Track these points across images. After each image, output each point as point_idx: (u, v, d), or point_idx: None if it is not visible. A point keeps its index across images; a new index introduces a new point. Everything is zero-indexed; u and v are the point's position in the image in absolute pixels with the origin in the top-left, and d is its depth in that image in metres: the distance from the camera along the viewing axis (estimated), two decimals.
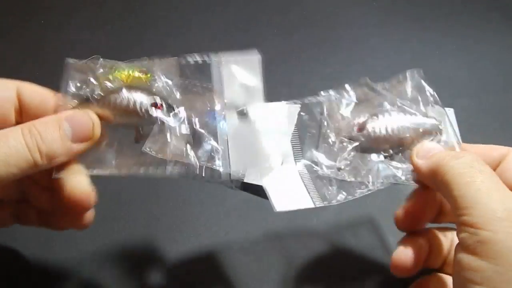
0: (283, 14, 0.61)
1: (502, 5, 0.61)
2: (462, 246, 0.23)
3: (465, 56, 0.55)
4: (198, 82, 0.50)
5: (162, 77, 0.51)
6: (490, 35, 0.57)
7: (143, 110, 0.32)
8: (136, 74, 0.49)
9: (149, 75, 0.49)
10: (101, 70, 0.51)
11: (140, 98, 0.31)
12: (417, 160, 0.30)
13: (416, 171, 0.30)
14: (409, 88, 0.36)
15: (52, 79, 0.52)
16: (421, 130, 0.33)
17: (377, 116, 0.33)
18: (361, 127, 0.32)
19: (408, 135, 0.33)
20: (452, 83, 0.51)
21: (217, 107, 0.46)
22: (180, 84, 0.50)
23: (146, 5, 0.63)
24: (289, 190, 0.31)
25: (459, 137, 0.45)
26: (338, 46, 0.56)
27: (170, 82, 0.50)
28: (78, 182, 0.26)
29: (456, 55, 0.55)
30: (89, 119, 0.28)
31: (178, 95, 0.49)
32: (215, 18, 0.60)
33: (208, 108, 0.46)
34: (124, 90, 0.32)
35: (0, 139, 0.23)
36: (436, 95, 0.36)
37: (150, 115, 0.32)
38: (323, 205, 0.31)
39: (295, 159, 0.33)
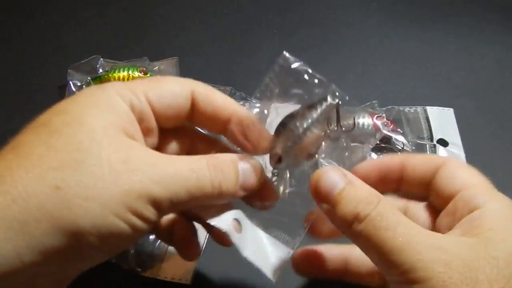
0: (283, 14, 0.61)
1: (502, 6, 0.61)
2: None
3: (465, 56, 0.55)
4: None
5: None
6: (490, 35, 0.57)
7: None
8: (136, 74, 0.49)
9: (149, 75, 0.49)
10: (101, 70, 0.51)
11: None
12: (324, 206, 0.24)
13: (327, 216, 0.25)
14: None
15: (52, 79, 0.53)
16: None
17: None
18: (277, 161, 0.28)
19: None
20: (452, 83, 0.51)
21: None
22: None
23: (146, 5, 0.63)
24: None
25: (459, 137, 0.46)
26: (338, 46, 0.56)
27: None
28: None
29: (456, 55, 0.55)
30: (259, 172, 0.26)
31: None
32: (215, 18, 0.60)
33: None
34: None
35: (185, 164, 0.24)
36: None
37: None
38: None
39: None
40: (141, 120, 0.25)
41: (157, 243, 0.39)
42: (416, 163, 0.28)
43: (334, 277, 0.31)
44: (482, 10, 0.60)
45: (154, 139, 0.27)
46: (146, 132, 0.26)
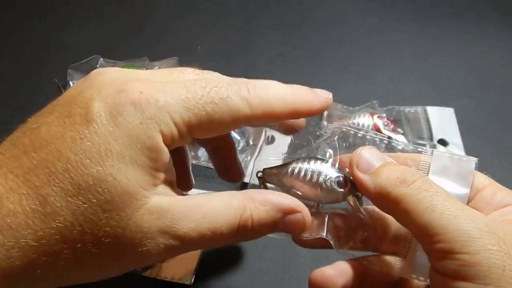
0: (283, 14, 0.61)
1: (502, 5, 0.61)
2: (444, 274, 0.22)
3: (465, 56, 0.55)
4: None
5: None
6: (491, 35, 0.57)
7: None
8: None
9: None
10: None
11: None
12: (361, 175, 0.25)
13: (360, 188, 0.26)
14: None
15: (52, 79, 0.53)
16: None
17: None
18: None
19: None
20: (452, 83, 0.51)
21: None
22: None
23: (146, 5, 0.63)
24: None
25: (460, 137, 0.46)
26: (338, 46, 0.56)
27: None
28: None
29: (456, 55, 0.55)
30: (302, 228, 0.26)
31: None
32: (215, 18, 0.60)
33: None
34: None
35: (216, 211, 0.24)
36: None
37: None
38: None
39: None
40: (174, 149, 0.25)
41: None
42: (403, 161, 0.28)
43: None
44: (482, 10, 0.60)
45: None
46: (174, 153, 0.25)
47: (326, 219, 0.27)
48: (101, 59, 0.52)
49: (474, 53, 0.55)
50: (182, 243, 0.23)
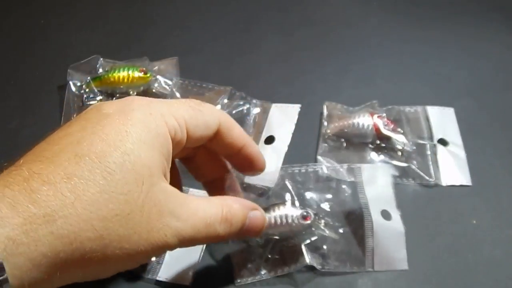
0: (283, 14, 0.61)
1: (502, 6, 0.61)
2: None
3: (465, 56, 0.55)
4: (199, 82, 0.50)
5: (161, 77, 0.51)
6: (490, 35, 0.57)
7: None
8: (136, 74, 0.49)
9: (149, 75, 0.49)
10: (101, 70, 0.51)
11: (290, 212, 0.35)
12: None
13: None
14: None
15: (52, 79, 0.53)
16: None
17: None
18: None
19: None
20: (452, 83, 0.51)
21: (217, 107, 0.47)
22: (180, 84, 0.50)
23: (146, 5, 0.63)
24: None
25: (460, 136, 0.46)
26: (338, 46, 0.56)
27: (170, 82, 0.50)
28: None
29: (456, 55, 0.55)
30: (262, 224, 0.33)
31: (178, 95, 0.49)
32: (215, 18, 0.60)
33: None
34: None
35: (203, 206, 0.28)
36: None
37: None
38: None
39: None
40: (175, 147, 0.28)
41: None
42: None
43: None
44: (483, 10, 0.60)
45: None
46: (173, 155, 0.28)
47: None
48: (101, 59, 0.52)
49: (474, 53, 0.55)
50: (187, 227, 0.26)
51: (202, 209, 0.28)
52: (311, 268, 0.36)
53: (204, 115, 0.29)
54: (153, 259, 0.37)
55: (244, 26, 0.59)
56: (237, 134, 0.32)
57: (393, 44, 0.56)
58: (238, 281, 0.36)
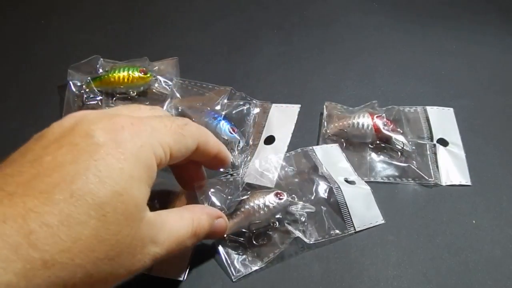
0: (283, 14, 0.61)
1: (501, 6, 0.61)
2: None
3: (465, 56, 0.55)
4: (199, 82, 0.50)
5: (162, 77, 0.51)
6: (490, 36, 0.57)
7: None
8: (136, 74, 0.49)
9: (149, 75, 0.49)
10: (101, 70, 0.51)
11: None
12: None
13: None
14: None
15: (52, 79, 0.53)
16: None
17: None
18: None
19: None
20: (452, 83, 0.51)
21: (217, 107, 0.47)
22: (180, 84, 0.50)
23: (146, 5, 0.63)
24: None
25: (459, 136, 0.46)
26: (338, 46, 0.56)
27: (170, 82, 0.50)
28: None
29: (456, 55, 0.55)
30: (225, 229, 0.36)
31: (178, 95, 0.49)
32: (215, 18, 0.60)
33: (208, 108, 0.46)
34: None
35: (177, 226, 0.30)
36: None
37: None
38: None
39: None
40: (160, 167, 0.29)
41: None
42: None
43: None
44: (482, 10, 0.60)
45: None
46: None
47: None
48: (101, 59, 0.52)
49: (474, 53, 0.55)
50: (162, 250, 0.28)
51: (176, 229, 0.30)
52: (301, 249, 0.38)
53: (185, 138, 0.31)
54: None
55: (244, 26, 0.59)
56: (212, 145, 0.34)
57: (393, 44, 0.56)
58: (234, 277, 0.37)
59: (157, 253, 0.28)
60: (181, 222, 0.31)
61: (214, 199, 0.37)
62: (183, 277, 0.37)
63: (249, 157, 0.44)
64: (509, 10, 0.60)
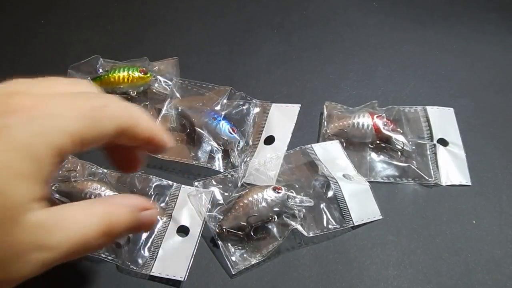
0: (283, 14, 0.61)
1: (501, 6, 0.61)
2: None
3: (465, 56, 0.55)
4: (199, 82, 0.50)
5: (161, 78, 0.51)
6: (490, 36, 0.57)
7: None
8: (136, 74, 0.49)
9: (149, 75, 0.49)
10: (101, 70, 0.51)
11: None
12: None
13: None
14: None
15: None
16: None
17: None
18: None
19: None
20: (452, 83, 0.51)
21: (217, 107, 0.47)
22: (180, 84, 0.50)
23: (146, 5, 0.63)
24: None
25: (459, 136, 0.46)
26: (338, 46, 0.56)
27: (170, 82, 0.50)
28: None
29: (456, 55, 0.55)
30: (154, 221, 0.31)
31: (178, 95, 0.49)
32: (215, 18, 0.60)
33: (208, 108, 0.46)
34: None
35: (81, 224, 0.25)
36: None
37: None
38: None
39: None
40: (62, 158, 0.25)
41: (151, 239, 0.39)
42: None
43: None
44: (482, 10, 0.60)
45: None
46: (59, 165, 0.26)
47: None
48: (101, 59, 0.52)
49: (473, 53, 0.55)
50: (56, 255, 0.24)
51: (78, 228, 0.25)
52: (298, 244, 0.39)
53: (101, 122, 0.26)
54: (146, 254, 0.38)
55: (244, 26, 0.59)
56: (142, 129, 0.29)
57: (393, 44, 0.56)
58: (233, 270, 0.37)
59: (48, 258, 0.23)
60: (88, 219, 0.25)
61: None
62: (184, 277, 0.37)
63: (249, 157, 0.44)
64: (510, 9, 0.60)
